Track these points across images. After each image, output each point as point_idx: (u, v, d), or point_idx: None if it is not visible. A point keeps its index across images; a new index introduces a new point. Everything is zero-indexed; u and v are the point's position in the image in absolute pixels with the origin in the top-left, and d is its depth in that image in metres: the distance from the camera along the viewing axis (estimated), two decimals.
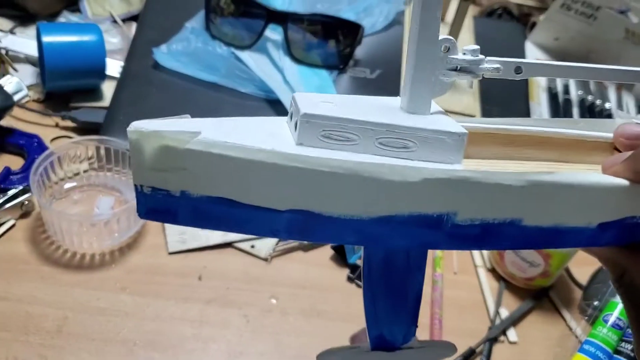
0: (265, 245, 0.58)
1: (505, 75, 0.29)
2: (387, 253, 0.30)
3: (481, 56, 0.29)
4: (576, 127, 0.32)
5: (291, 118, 0.28)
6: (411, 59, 0.28)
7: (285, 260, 0.58)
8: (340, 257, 0.59)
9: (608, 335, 0.52)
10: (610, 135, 0.31)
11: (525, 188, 0.27)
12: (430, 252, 0.60)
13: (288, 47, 0.72)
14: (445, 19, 0.82)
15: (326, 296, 0.56)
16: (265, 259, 0.58)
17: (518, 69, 0.29)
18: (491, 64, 0.29)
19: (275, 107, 0.67)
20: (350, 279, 0.57)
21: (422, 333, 0.54)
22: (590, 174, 0.28)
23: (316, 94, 0.29)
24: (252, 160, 0.26)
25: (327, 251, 0.59)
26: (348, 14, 0.79)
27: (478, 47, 0.29)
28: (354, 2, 0.82)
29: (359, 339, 0.52)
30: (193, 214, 0.26)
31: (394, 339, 0.32)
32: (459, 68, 0.28)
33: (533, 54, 0.82)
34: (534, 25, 0.85)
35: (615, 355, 0.51)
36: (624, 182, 0.27)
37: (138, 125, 0.25)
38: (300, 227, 0.27)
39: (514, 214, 0.28)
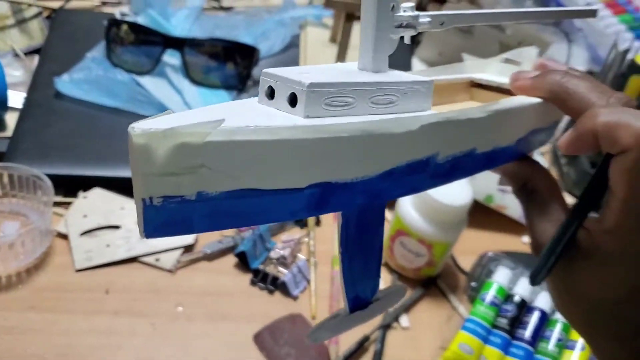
0: (170, 257, 0.61)
1: (434, 27, 0.31)
2: (360, 215, 0.31)
3: (417, 12, 0.31)
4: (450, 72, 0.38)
5: (271, 96, 0.27)
6: (370, 21, 0.29)
7: (190, 271, 0.61)
8: (243, 263, 0.62)
9: (486, 312, 0.57)
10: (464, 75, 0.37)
11: (486, 119, 0.31)
12: (328, 251, 0.65)
13: (186, 71, 0.76)
14: (336, 38, 0.89)
15: (230, 301, 0.59)
16: (170, 271, 0.60)
17: (442, 23, 0.32)
18: (424, 19, 0.31)
19: None
20: (253, 283, 0.61)
21: None
22: (520, 97, 0.33)
23: (286, 68, 0.28)
24: (279, 141, 0.24)
25: (230, 259, 0.63)
26: (246, 39, 0.83)
27: (412, 3, 0.31)
28: (251, 27, 0.87)
29: (261, 337, 0.56)
30: (211, 216, 0.24)
31: (366, 295, 0.34)
32: (403, 24, 0.30)
33: (418, 68, 0.89)
34: (419, 42, 0.92)
35: (493, 330, 0.57)
36: (539, 100, 0.33)
37: (141, 127, 0.22)
38: (318, 202, 0.26)
39: (472, 145, 0.31)
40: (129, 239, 0.61)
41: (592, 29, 1.02)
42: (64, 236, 0.61)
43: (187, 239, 0.62)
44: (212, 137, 0.22)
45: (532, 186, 0.35)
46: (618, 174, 0.27)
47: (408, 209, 0.61)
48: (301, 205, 0.26)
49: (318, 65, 0.30)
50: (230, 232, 0.65)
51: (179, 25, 0.83)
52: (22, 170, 0.61)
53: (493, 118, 0.31)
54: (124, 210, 0.63)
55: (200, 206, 0.23)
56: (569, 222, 0.31)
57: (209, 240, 0.63)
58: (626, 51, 0.73)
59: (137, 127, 0.21)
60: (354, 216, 0.30)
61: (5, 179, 0.61)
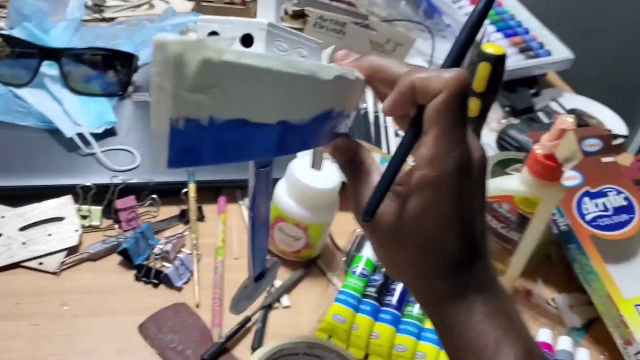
0: (54, 260, 0.62)
1: None
2: (266, 176, 0.38)
3: None
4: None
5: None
6: None
7: (75, 272, 0.63)
8: (127, 260, 0.64)
9: (356, 284, 0.62)
10: None
11: (356, 82, 0.36)
12: (210, 244, 0.68)
13: (65, 81, 0.77)
14: None
15: (115, 296, 0.61)
16: (55, 273, 0.62)
17: None
18: None
19: (55, 135, 0.72)
20: (137, 278, 0.63)
21: (205, 311, 0.61)
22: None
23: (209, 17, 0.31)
24: (269, 69, 0.25)
25: (114, 258, 0.65)
26: (127, 47, 0.85)
27: None
28: (132, 36, 0.89)
29: (146, 327, 0.58)
30: (216, 145, 0.24)
31: (263, 264, 0.44)
32: None
33: None
34: None
35: (363, 299, 0.62)
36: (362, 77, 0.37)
37: (170, 37, 0.21)
38: (280, 141, 0.28)
39: (339, 107, 0.36)
40: (10, 245, 0.62)
41: (458, 24, 1.11)
42: None
43: (71, 240, 0.64)
44: (227, 55, 0.23)
45: (357, 160, 0.40)
46: (432, 115, 0.33)
47: (283, 196, 0.65)
48: (273, 142, 0.28)
49: (226, 18, 0.31)
50: (113, 232, 0.67)
51: (58, 37, 0.84)
52: None
53: (357, 83, 0.36)
54: (4, 219, 0.64)
55: (210, 134, 0.24)
56: (392, 162, 0.35)
57: (92, 241, 0.65)
58: (478, 42, 0.81)
59: (167, 37, 0.21)
60: (265, 176, 0.38)
61: None
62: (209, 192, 0.74)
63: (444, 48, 1.06)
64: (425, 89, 0.33)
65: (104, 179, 0.69)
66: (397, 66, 0.36)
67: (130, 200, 0.68)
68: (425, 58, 1.05)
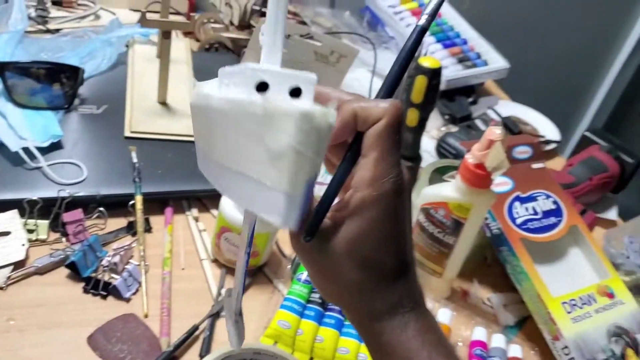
0: (0, 275, 0.62)
1: None
2: None
3: None
4: None
5: (264, 90, 0.31)
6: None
7: (21, 286, 0.63)
8: (75, 273, 0.65)
9: (301, 290, 0.65)
10: None
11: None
12: (158, 255, 0.70)
13: (9, 94, 0.77)
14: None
15: (63, 309, 0.62)
16: (1, 288, 0.62)
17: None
18: None
19: (0, 149, 0.72)
20: (85, 291, 0.64)
21: (154, 321, 0.62)
22: None
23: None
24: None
25: (62, 271, 0.65)
26: (72, 60, 0.86)
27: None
28: (77, 48, 0.90)
29: (95, 338, 0.59)
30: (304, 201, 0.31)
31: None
32: None
33: None
34: (242, 53, 0.99)
35: (308, 305, 0.64)
36: None
37: (315, 108, 0.28)
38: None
39: None
40: None
41: (400, 35, 1.15)
42: None
43: (18, 254, 0.64)
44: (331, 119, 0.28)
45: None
46: (373, 139, 0.35)
47: (228, 206, 0.67)
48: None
49: (275, 68, 0.33)
50: (60, 245, 0.67)
51: (0, 50, 0.84)
52: None
53: None
54: None
55: (308, 191, 0.29)
56: (332, 183, 0.37)
57: (39, 255, 0.65)
58: (418, 55, 0.84)
59: (314, 108, 0.28)
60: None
61: None
62: (156, 203, 0.75)
63: (386, 59, 1.09)
64: (366, 116, 0.35)
65: (50, 192, 0.69)
66: (338, 94, 0.38)
67: (77, 213, 0.69)
68: (369, 68, 1.08)
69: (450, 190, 0.65)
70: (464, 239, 0.67)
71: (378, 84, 1.04)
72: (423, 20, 0.36)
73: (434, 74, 0.77)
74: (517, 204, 0.73)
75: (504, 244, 0.70)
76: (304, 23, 1.14)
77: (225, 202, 0.68)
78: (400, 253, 0.38)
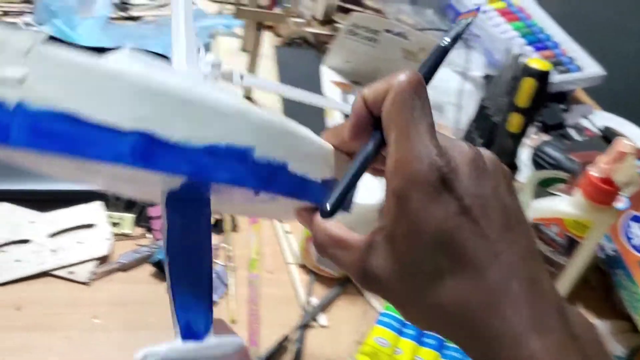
0: (84, 269, 0.60)
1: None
2: (185, 223, 0.33)
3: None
4: None
5: None
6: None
7: (106, 282, 0.60)
8: (160, 272, 0.62)
9: None
10: None
11: (299, 136, 0.32)
12: (245, 256, 0.66)
13: None
14: (247, 47, 0.90)
15: (148, 309, 0.59)
16: (85, 283, 0.59)
17: (241, 77, 0.36)
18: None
19: None
20: None
21: (241, 328, 0.59)
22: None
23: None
24: (108, 69, 0.25)
25: (147, 269, 0.62)
26: (155, 48, 0.83)
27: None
28: (160, 36, 0.87)
29: None
30: (31, 131, 0.24)
31: (197, 328, 0.35)
32: None
33: (329, 76, 0.92)
34: (327, 50, 0.95)
35: (406, 323, 0.60)
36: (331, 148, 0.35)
37: None
38: (143, 152, 0.26)
39: (285, 159, 0.31)
40: (40, 253, 0.59)
41: (488, 35, 1.09)
42: None
43: (102, 249, 0.61)
44: (32, 49, 0.23)
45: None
46: (385, 120, 0.30)
47: None
48: (125, 149, 0.26)
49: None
50: (145, 241, 0.64)
51: (86, 35, 0.82)
52: None
53: (304, 140, 0.33)
54: (34, 224, 0.61)
55: (20, 118, 0.23)
56: (364, 158, 0.32)
57: (123, 250, 0.63)
58: (518, 56, 0.79)
59: None
60: (177, 240, 0.32)
61: None
62: None
63: (472, 59, 1.04)
64: (374, 97, 0.31)
65: None
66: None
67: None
68: (454, 68, 1.03)
69: (567, 205, 0.60)
70: (579, 259, 0.61)
71: (467, 86, 0.98)
72: (446, 41, 0.34)
73: (543, 77, 0.72)
74: (633, 223, 0.67)
75: (620, 267, 0.64)
76: None
77: None
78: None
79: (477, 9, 0.37)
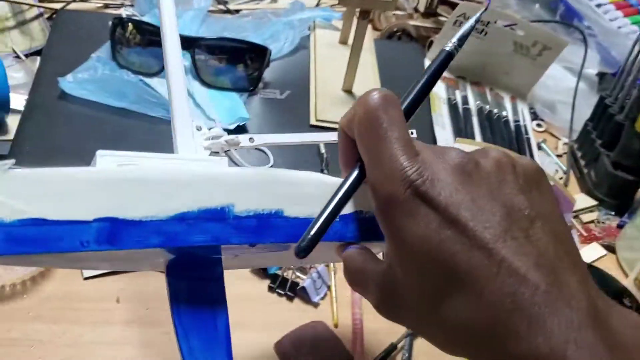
0: None
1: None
2: (191, 289, 0.34)
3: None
4: None
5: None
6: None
7: None
8: (260, 269, 0.59)
9: None
10: None
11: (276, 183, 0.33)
12: None
13: (196, 72, 0.73)
14: (347, 40, 0.86)
15: (247, 308, 0.56)
16: None
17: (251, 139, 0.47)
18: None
19: None
20: (271, 289, 0.58)
21: (344, 332, 0.55)
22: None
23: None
24: (64, 175, 0.29)
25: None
26: (255, 40, 0.81)
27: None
28: (259, 29, 0.85)
29: (283, 346, 0.53)
30: (7, 240, 0.27)
31: None
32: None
33: None
34: (431, 43, 0.90)
35: None
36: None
37: None
38: (108, 235, 0.29)
39: (277, 206, 0.32)
40: None
41: (603, 30, 1.00)
42: None
43: None
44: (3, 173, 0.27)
45: None
46: (357, 141, 0.29)
47: None
48: (90, 236, 0.28)
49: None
50: None
51: (186, 27, 0.80)
52: None
53: (299, 183, 0.33)
54: None
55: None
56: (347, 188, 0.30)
57: None
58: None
59: None
60: (183, 289, 0.33)
61: None
62: None
63: (585, 56, 0.96)
64: (347, 123, 0.30)
65: None
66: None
67: None
68: (565, 65, 0.95)
69: None
70: None
71: (581, 84, 0.91)
72: (450, 45, 0.33)
73: None
74: None
75: None
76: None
77: None
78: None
79: (488, 2, 0.35)
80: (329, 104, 0.76)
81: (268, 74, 0.78)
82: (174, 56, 0.44)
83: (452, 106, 0.81)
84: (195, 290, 0.34)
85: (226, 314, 0.35)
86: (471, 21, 0.33)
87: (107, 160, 0.32)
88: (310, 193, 0.32)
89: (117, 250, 0.29)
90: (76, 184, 0.29)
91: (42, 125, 0.66)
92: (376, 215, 0.28)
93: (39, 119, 0.66)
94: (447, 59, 0.33)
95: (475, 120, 0.81)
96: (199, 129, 0.42)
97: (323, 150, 0.68)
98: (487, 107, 0.83)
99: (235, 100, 0.73)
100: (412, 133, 0.53)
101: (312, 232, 0.28)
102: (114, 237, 0.29)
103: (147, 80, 0.71)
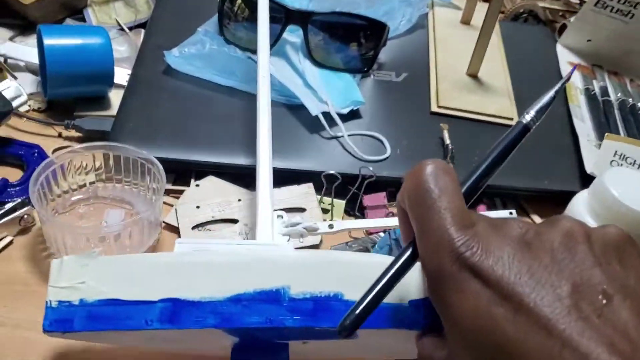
0: None
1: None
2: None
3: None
4: None
5: None
6: None
7: None
8: None
9: None
10: None
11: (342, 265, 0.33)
12: None
13: (308, 50, 0.67)
14: (469, 20, 0.78)
15: None
16: None
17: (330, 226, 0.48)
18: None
19: (296, 112, 0.62)
20: None
21: None
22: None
23: None
24: (131, 261, 0.33)
25: None
26: (369, 14, 0.74)
27: None
28: (372, 6, 0.78)
29: None
30: (88, 317, 0.32)
31: None
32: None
33: (565, 57, 0.77)
34: (563, 27, 0.80)
35: None
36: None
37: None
38: (170, 314, 0.31)
39: (335, 289, 0.32)
40: (248, 235, 0.52)
41: None
42: (173, 228, 0.53)
43: (313, 238, 0.53)
44: (89, 264, 0.33)
45: None
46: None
47: (583, 215, 0.50)
48: (154, 316, 0.31)
49: None
50: (359, 233, 0.55)
51: (295, 1, 0.74)
52: (129, 152, 0.53)
53: (363, 267, 0.33)
54: (242, 202, 0.55)
55: (81, 309, 0.32)
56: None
57: (332, 241, 0.54)
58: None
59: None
60: None
61: (110, 161, 0.54)
62: None
63: None
64: (401, 195, 0.29)
65: (349, 168, 0.57)
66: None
67: (380, 197, 0.57)
68: None
69: None
70: None
71: None
72: (527, 118, 0.30)
73: None
74: None
75: None
76: None
77: (579, 209, 0.50)
78: None
79: (574, 68, 0.35)
80: (452, 89, 0.68)
81: (382, 55, 0.71)
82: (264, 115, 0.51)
83: (591, 97, 0.72)
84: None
85: None
86: (551, 93, 0.31)
87: (184, 247, 0.36)
88: (373, 276, 0.29)
89: (177, 329, 0.32)
90: (150, 267, 0.33)
91: (147, 101, 0.62)
92: (428, 294, 0.27)
93: (143, 94, 0.62)
94: (523, 132, 0.30)
95: (617, 114, 0.71)
96: (280, 217, 0.46)
97: (448, 141, 0.61)
98: (631, 100, 0.73)
99: (349, 81, 0.66)
100: (510, 213, 0.52)
101: (356, 312, 0.27)
102: (174, 316, 0.32)
103: (256, 57, 0.66)
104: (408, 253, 0.28)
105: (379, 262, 0.30)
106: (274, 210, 0.44)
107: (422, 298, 0.32)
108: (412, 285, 0.32)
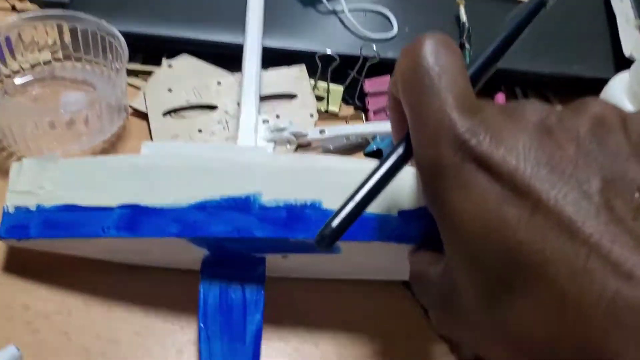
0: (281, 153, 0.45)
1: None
2: (222, 289, 0.32)
3: None
4: None
5: None
6: None
7: None
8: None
9: None
10: None
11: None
12: None
13: None
14: None
15: None
16: None
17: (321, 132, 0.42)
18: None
19: None
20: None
21: None
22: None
23: None
24: (93, 163, 0.32)
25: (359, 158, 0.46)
26: None
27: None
28: None
29: None
30: (44, 224, 0.31)
31: None
32: None
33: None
34: None
35: None
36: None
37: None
38: (128, 222, 0.30)
39: (313, 196, 0.30)
40: (227, 124, 0.45)
41: None
42: (141, 114, 0.46)
43: (305, 129, 0.46)
44: (48, 167, 0.32)
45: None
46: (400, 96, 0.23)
47: (620, 98, 0.43)
48: (111, 223, 0.30)
49: None
50: (357, 122, 0.48)
51: None
52: (86, 23, 0.45)
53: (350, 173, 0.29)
54: (221, 86, 0.47)
55: (38, 215, 0.31)
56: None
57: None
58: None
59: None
60: (214, 292, 0.32)
61: (67, 36, 0.46)
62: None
63: None
64: (393, 80, 0.24)
65: (349, 48, 0.49)
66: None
67: (384, 82, 0.49)
68: None
69: None
70: None
71: None
72: None
73: None
74: None
75: None
76: None
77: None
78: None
79: None
80: None
81: None
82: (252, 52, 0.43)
83: None
84: (228, 291, 0.32)
85: (260, 320, 0.31)
86: None
87: (151, 150, 0.33)
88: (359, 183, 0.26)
89: (136, 237, 0.30)
90: (112, 171, 0.31)
91: None
92: (422, 193, 0.22)
93: None
94: (536, 9, 0.26)
95: None
96: (265, 121, 0.42)
97: (464, 19, 0.52)
98: None
99: None
100: None
101: (336, 221, 0.23)
102: (133, 224, 0.30)
103: None
104: (399, 150, 0.24)
105: (368, 168, 0.24)
106: (260, 99, 0.39)
107: (414, 208, 0.29)
108: (403, 195, 0.29)
